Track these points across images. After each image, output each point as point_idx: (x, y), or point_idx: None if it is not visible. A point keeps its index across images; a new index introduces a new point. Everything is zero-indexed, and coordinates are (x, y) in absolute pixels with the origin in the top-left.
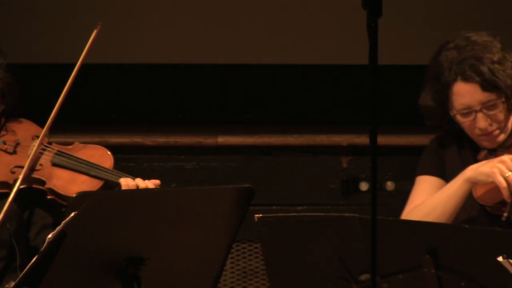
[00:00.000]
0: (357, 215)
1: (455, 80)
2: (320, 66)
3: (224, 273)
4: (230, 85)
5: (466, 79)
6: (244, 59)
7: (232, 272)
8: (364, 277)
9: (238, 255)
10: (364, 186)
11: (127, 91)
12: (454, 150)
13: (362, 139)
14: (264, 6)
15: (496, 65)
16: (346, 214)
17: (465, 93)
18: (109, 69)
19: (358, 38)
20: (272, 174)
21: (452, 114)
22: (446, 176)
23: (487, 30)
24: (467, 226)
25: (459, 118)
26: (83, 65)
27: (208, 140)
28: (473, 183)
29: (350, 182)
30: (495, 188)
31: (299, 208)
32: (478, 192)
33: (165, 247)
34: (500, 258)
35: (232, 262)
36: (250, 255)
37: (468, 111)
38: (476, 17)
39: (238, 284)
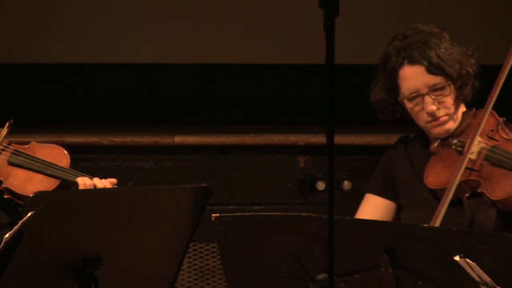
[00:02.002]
0: (314, 215)
1: (402, 64)
2: (277, 65)
3: (181, 272)
4: (187, 85)
5: (412, 61)
6: (202, 59)
7: (189, 272)
8: (321, 276)
9: (195, 255)
10: (321, 186)
11: (84, 91)
12: (405, 158)
13: (319, 139)
14: (221, 5)
15: (442, 50)
16: (303, 214)
17: (411, 77)
18: (66, 69)
19: (315, 37)
20: (229, 174)
21: (400, 99)
22: (398, 189)
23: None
24: (423, 225)
25: (407, 103)
26: (39, 65)
27: (165, 140)
28: None
29: (307, 181)
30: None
31: (256, 207)
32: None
33: (122, 246)
34: (457, 258)
35: (189, 262)
36: (207, 254)
37: (416, 95)
38: (436, 16)
39: (195, 284)
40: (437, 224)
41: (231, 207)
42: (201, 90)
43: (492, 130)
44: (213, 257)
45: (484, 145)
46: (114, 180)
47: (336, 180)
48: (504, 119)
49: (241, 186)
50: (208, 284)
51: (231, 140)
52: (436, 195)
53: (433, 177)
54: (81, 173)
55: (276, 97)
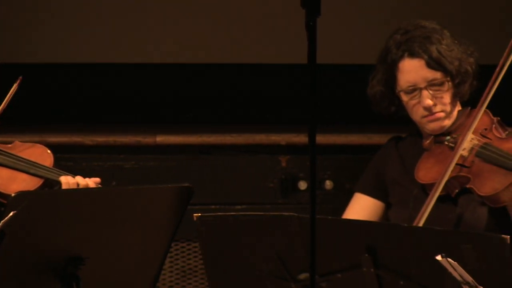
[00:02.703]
0: (296, 214)
1: (402, 57)
2: (260, 65)
3: (163, 272)
4: (169, 85)
5: (412, 54)
6: (184, 59)
7: (171, 272)
8: (303, 276)
9: (177, 254)
10: (303, 185)
11: (66, 91)
12: (396, 158)
13: (301, 138)
14: (203, 5)
15: (443, 46)
16: (285, 213)
17: (410, 70)
18: (48, 69)
19: (297, 37)
20: (211, 174)
21: (397, 91)
22: (388, 188)
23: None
24: (405, 225)
25: (404, 96)
26: (20, 65)
27: (147, 140)
28: None
29: (289, 181)
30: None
31: (238, 207)
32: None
33: (104, 246)
34: (438, 257)
35: (171, 262)
36: (189, 254)
37: (413, 88)
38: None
39: (177, 284)
40: (423, 219)
41: (213, 206)
42: (183, 90)
43: (485, 129)
44: (195, 256)
45: (476, 142)
46: (97, 179)
47: (318, 179)
48: (499, 118)
49: (223, 186)
50: (190, 283)
51: (213, 140)
52: (426, 191)
53: (423, 172)
54: (64, 172)
55: (258, 96)
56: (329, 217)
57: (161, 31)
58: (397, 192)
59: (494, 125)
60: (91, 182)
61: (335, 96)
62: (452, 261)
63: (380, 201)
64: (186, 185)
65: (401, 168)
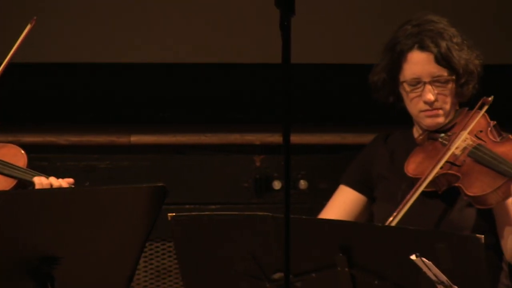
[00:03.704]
0: (270, 214)
1: (411, 48)
2: (234, 65)
3: (137, 272)
4: (143, 85)
5: (422, 47)
6: (158, 58)
7: (146, 271)
8: (277, 275)
9: (151, 254)
10: (277, 185)
11: (41, 90)
12: (384, 153)
13: (275, 138)
14: (176, 5)
15: (454, 45)
16: (259, 213)
17: (418, 62)
18: (22, 68)
19: (271, 36)
20: (185, 173)
21: (400, 82)
22: (374, 183)
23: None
24: (379, 224)
25: (406, 87)
26: None
27: (121, 140)
28: None
29: (263, 181)
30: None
31: (213, 207)
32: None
33: (78, 246)
34: (413, 257)
35: (145, 261)
36: (163, 254)
37: (417, 81)
38: (393, 15)
39: (151, 283)
40: (403, 211)
41: (187, 206)
42: (157, 89)
43: (481, 131)
44: (169, 256)
45: (470, 142)
46: (70, 180)
47: (292, 179)
48: (495, 122)
49: (197, 186)
50: (164, 283)
51: (187, 139)
52: (414, 186)
53: (413, 166)
54: (38, 173)
55: (232, 96)
56: (304, 217)
57: (135, 31)
58: (384, 186)
59: (489, 128)
60: (65, 183)
61: (309, 95)
62: (427, 261)
63: (364, 196)
64: (160, 185)
65: (390, 163)
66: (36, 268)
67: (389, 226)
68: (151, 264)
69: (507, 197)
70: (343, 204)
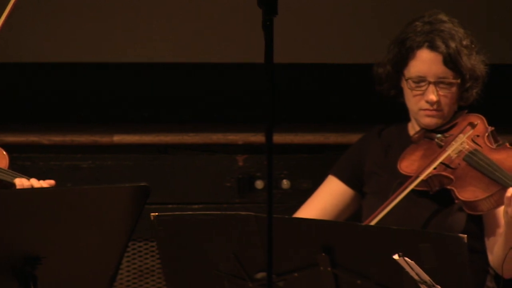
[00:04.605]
0: (253, 214)
1: (421, 46)
2: (216, 64)
3: (120, 272)
4: (126, 84)
5: (432, 47)
6: (140, 58)
7: (128, 271)
8: (260, 275)
9: (134, 254)
10: (259, 185)
11: (23, 90)
12: (378, 147)
13: (258, 138)
14: (158, 4)
15: (463, 48)
16: (242, 213)
17: (426, 61)
18: (4, 68)
19: (254, 36)
20: (168, 173)
21: (405, 79)
22: (365, 178)
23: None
24: (361, 224)
25: (410, 83)
26: None
27: (104, 139)
28: None
29: (246, 180)
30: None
31: (195, 206)
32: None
33: (61, 246)
34: (396, 256)
35: (128, 261)
36: (146, 253)
37: (422, 79)
38: (375, 15)
39: (134, 283)
40: (388, 208)
41: (170, 206)
42: (140, 89)
43: (478, 136)
44: (152, 256)
45: (466, 146)
46: (52, 181)
47: (274, 179)
48: (493, 128)
49: (180, 185)
50: (147, 283)
51: (170, 139)
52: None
53: (407, 163)
54: (19, 174)
55: (215, 96)
56: (286, 217)
57: (117, 31)
58: (375, 182)
59: (487, 134)
60: (46, 184)
61: (292, 95)
62: (409, 260)
63: (352, 190)
64: (143, 184)
65: (383, 159)
66: (19, 268)
67: (372, 226)
68: (134, 263)
69: (499, 205)
70: (329, 195)
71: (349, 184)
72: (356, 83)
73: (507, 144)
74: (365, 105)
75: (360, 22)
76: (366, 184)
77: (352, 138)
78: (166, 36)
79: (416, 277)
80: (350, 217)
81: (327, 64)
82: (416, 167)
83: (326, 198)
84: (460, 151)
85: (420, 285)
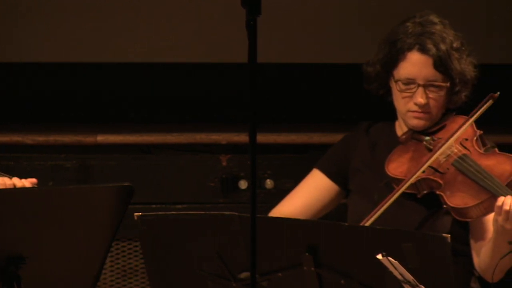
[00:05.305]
0: (236, 213)
1: (411, 48)
2: (199, 64)
3: (103, 271)
4: (110, 84)
5: (422, 50)
6: (124, 58)
7: (112, 271)
8: (243, 275)
9: (117, 254)
10: (243, 184)
11: (6, 90)
12: (365, 145)
13: (242, 137)
14: (144, 5)
15: (454, 51)
16: (226, 213)
17: (416, 63)
18: None
19: (237, 36)
20: (152, 173)
21: (394, 80)
22: (350, 175)
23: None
24: (345, 224)
25: (400, 85)
26: None
27: (88, 139)
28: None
29: (229, 180)
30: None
31: (179, 206)
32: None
33: (45, 245)
34: (379, 256)
35: (111, 261)
36: (129, 253)
37: (411, 81)
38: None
39: (118, 283)
40: (379, 212)
41: (153, 206)
42: (124, 89)
43: (466, 139)
44: (136, 256)
45: (455, 150)
46: (34, 180)
47: (258, 178)
48: (481, 132)
49: (163, 185)
50: (130, 283)
51: (153, 139)
52: (392, 185)
53: (395, 165)
54: (1, 173)
55: (198, 96)
56: (270, 216)
57: (100, 31)
58: (360, 180)
59: (475, 138)
60: (28, 183)
61: (275, 95)
62: (393, 260)
63: (337, 185)
64: (126, 184)
65: (370, 157)
66: (3, 267)
67: (355, 226)
68: (118, 263)
69: (488, 212)
70: (314, 189)
71: (334, 180)
72: (340, 83)
73: (496, 150)
74: (349, 104)
75: (343, 23)
76: (351, 180)
77: (336, 137)
78: (151, 36)
79: (399, 277)
80: (334, 213)
81: (311, 64)
82: (404, 170)
83: (311, 192)
84: (449, 155)
85: (404, 285)
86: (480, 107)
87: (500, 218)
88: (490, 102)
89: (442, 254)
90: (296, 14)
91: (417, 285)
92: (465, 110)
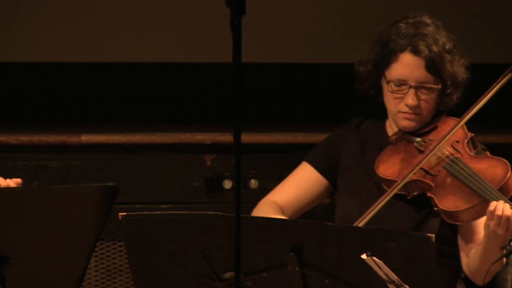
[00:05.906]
0: (221, 213)
1: (404, 50)
2: (184, 64)
3: (88, 271)
4: (94, 84)
5: (415, 51)
6: (108, 58)
7: (96, 271)
8: (228, 275)
9: (102, 254)
10: (228, 184)
11: None
12: (355, 143)
13: (226, 137)
14: (126, 3)
15: (446, 54)
16: (210, 212)
17: (408, 65)
18: None
19: (222, 35)
20: (136, 173)
21: (385, 80)
22: (339, 171)
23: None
24: (329, 224)
25: (392, 86)
26: None
27: (72, 139)
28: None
29: (214, 180)
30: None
31: (163, 206)
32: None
33: (29, 246)
34: (364, 256)
35: (96, 261)
36: (114, 253)
37: (402, 83)
38: (345, 14)
39: (102, 283)
40: (371, 214)
41: (138, 206)
42: (108, 88)
43: (457, 141)
44: (120, 256)
45: (447, 152)
46: (18, 180)
47: (243, 178)
48: (473, 135)
49: (148, 185)
50: (115, 283)
51: (138, 139)
52: (381, 185)
53: (385, 166)
54: None
55: (183, 95)
56: (254, 216)
57: (83, 30)
58: (349, 178)
59: (466, 140)
60: (12, 183)
61: (260, 95)
62: (378, 260)
63: (326, 180)
64: (111, 184)
65: (359, 155)
66: None
67: (340, 225)
68: (102, 263)
69: (479, 216)
70: (304, 182)
71: (323, 174)
72: (325, 82)
73: (487, 153)
74: (334, 104)
75: (328, 22)
76: (340, 177)
77: (320, 137)
78: (135, 36)
79: (384, 277)
80: (319, 212)
81: (295, 63)
82: (395, 171)
83: (301, 184)
84: (439, 157)
85: (389, 285)
86: (499, 81)
87: (492, 223)
88: (509, 75)
89: (426, 254)
90: (280, 13)
91: (402, 285)
92: (456, 112)
